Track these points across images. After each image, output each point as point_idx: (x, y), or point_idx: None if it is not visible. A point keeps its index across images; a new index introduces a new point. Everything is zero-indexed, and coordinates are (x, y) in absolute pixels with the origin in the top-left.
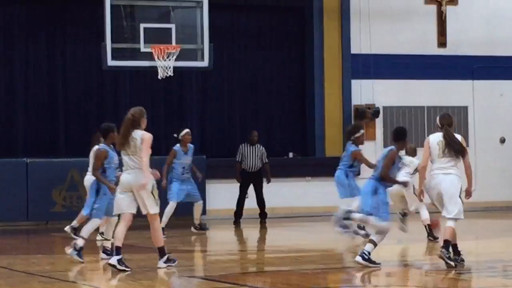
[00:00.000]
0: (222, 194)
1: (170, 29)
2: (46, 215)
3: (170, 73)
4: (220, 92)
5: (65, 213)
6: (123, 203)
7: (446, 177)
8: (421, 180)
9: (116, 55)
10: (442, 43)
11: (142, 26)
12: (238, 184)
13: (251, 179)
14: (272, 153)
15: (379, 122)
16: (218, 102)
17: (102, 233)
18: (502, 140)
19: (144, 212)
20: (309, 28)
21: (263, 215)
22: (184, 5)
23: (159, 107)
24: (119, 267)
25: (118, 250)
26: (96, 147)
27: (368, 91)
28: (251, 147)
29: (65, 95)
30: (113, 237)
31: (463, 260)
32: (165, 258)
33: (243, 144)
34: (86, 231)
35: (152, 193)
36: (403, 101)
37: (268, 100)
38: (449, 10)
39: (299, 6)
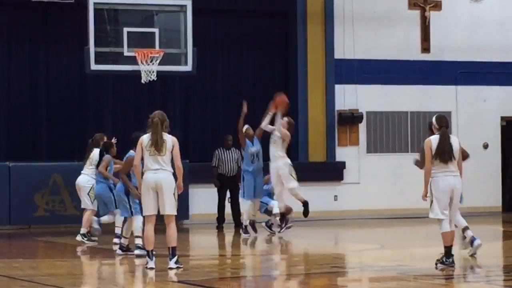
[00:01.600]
0: (204, 199)
1: (153, 33)
2: (28, 219)
3: (154, 77)
4: (203, 96)
5: (48, 217)
6: (151, 204)
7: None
8: (427, 183)
9: (99, 59)
10: (425, 48)
11: (126, 30)
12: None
13: (228, 184)
14: None
15: (362, 127)
16: (201, 107)
17: (84, 234)
18: (485, 146)
19: (162, 212)
20: (292, 33)
21: (237, 224)
22: (168, 9)
23: (143, 111)
24: (178, 265)
25: (149, 252)
26: (130, 152)
27: (351, 96)
28: (227, 151)
29: (48, 98)
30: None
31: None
32: (175, 258)
33: (218, 149)
34: (137, 229)
35: (174, 194)
36: (386, 106)
37: (252, 105)
38: (433, 15)
39: (282, 10)
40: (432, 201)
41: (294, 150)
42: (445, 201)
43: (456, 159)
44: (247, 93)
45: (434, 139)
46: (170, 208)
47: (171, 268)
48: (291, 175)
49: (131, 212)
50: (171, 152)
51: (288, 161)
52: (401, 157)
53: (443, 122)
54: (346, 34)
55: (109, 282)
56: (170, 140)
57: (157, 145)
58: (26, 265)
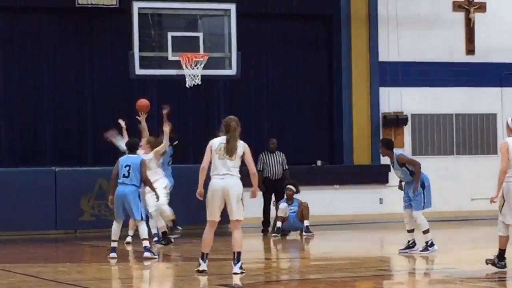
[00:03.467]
0: (249, 202)
1: (197, 37)
2: (74, 224)
3: (198, 81)
4: (247, 100)
5: (94, 221)
6: (216, 210)
7: None
8: (500, 185)
9: (144, 63)
10: (470, 50)
11: (170, 34)
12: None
13: (273, 187)
14: (300, 161)
15: (407, 129)
16: (245, 110)
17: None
18: None
19: (231, 217)
20: (336, 36)
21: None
22: (212, 13)
23: (187, 115)
24: (242, 271)
25: (203, 255)
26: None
27: (396, 99)
28: (271, 154)
29: (93, 103)
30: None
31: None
32: (240, 264)
33: (263, 153)
34: (145, 232)
35: (242, 200)
36: (431, 108)
37: (296, 108)
38: (477, 17)
39: (326, 13)
40: (503, 205)
41: (339, 153)
42: None
43: None
44: (291, 96)
45: (511, 141)
46: (237, 213)
47: (235, 273)
48: None
49: (141, 216)
50: (241, 157)
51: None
52: (446, 159)
53: None
54: (390, 36)
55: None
56: (241, 146)
57: (230, 149)
58: (73, 269)
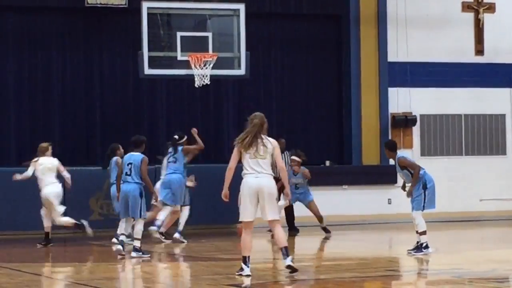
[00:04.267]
0: None
1: (206, 37)
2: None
3: (207, 81)
4: (256, 100)
5: (103, 221)
6: (250, 210)
7: None
8: None
9: (153, 63)
10: (479, 50)
11: (179, 34)
12: None
13: (282, 187)
14: (309, 161)
15: (416, 130)
16: (254, 110)
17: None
18: None
19: (264, 218)
20: (345, 36)
21: (291, 228)
22: (221, 13)
23: (196, 115)
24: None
25: (245, 258)
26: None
27: (405, 99)
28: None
29: (102, 103)
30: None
31: None
32: (291, 257)
33: None
34: (138, 232)
35: (275, 199)
36: (440, 109)
37: (305, 108)
38: (487, 17)
39: (335, 13)
40: None
41: (348, 154)
42: None
43: None
44: (300, 96)
45: None
46: (271, 214)
47: (289, 266)
48: None
49: (140, 215)
50: (272, 155)
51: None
52: (455, 160)
53: None
54: (399, 37)
55: (165, 286)
56: (270, 143)
57: (252, 145)
58: (82, 269)
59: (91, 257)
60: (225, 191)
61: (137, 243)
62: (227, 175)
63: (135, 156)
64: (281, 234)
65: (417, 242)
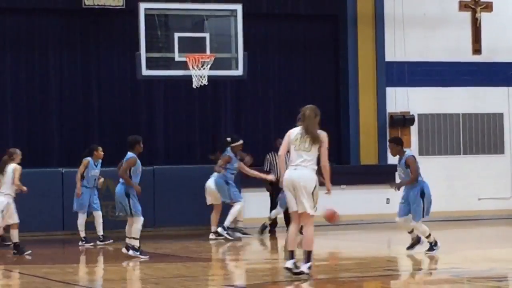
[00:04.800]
0: (256, 203)
1: (204, 38)
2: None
3: (205, 82)
4: (254, 100)
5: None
6: (292, 201)
7: None
8: None
9: (151, 64)
10: (477, 49)
11: (176, 35)
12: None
13: (280, 188)
14: None
15: (414, 129)
16: (252, 111)
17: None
18: None
19: (300, 210)
20: (343, 36)
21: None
22: (218, 14)
23: (194, 116)
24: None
25: (291, 253)
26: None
27: (403, 99)
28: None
29: (100, 104)
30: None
31: None
32: (310, 264)
33: (270, 153)
34: (134, 231)
35: (312, 194)
36: (438, 108)
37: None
38: (484, 16)
39: (332, 14)
40: None
41: (345, 153)
42: None
43: None
44: (297, 97)
45: None
46: (302, 206)
47: (302, 272)
48: None
49: (131, 213)
50: (319, 149)
51: None
52: (453, 159)
53: None
54: (397, 36)
55: (160, 286)
56: (319, 137)
57: (311, 138)
58: (81, 270)
59: (90, 259)
60: (281, 180)
61: (135, 242)
62: (280, 162)
63: (126, 156)
64: (309, 236)
65: (412, 239)
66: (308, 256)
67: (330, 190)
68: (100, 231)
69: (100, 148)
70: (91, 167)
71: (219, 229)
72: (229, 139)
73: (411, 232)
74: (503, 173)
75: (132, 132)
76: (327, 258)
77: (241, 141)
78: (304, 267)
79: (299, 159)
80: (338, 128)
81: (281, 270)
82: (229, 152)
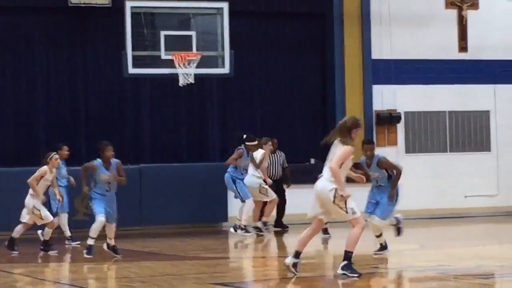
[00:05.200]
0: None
1: (190, 36)
2: (68, 224)
3: (191, 80)
4: (240, 99)
5: (87, 221)
6: (312, 206)
7: None
8: None
9: (137, 63)
10: (463, 47)
11: (163, 33)
12: None
13: (274, 187)
14: (294, 159)
15: (400, 127)
16: (239, 109)
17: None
18: None
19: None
20: (329, 34)
21: (281, 225)
22: (204, 12)
23: (180, 114)
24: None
25: (296, 253)
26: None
27: (389, 97)
28: (272, 155)
29: (86, 103)
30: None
31: None
32: (344, 263)
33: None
34: (92, 229)
35: (333, 202)
36: (424, 106)
37: (289, 106)
38: (470, 14)
39: (319, 12)
40: None
41: None
42: None
43: None
44: (284, 95)
45: None
46: (334, 214)
47: (340, 274)
48: None
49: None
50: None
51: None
52: (439, 156)
53: None
54: (383, 34)
55: (148, 285)
56: (340, 147)
57: (331, 148)
58: (68, 269)
59: (77, 257)
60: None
61: (90, 241)
62: (337, 176)
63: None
64: (351, 236)
65: (381, 244)
66: (345, 255)
67: (345, 195)
68: (67, 231)
69: (65, 147)
70: (62, 167)
71: (259, 224)
72: (244, 136)
73: (379, 236)
74: (489, 171)
75: (118, 131)
76: (314, 256)
77: (256, 142)
78: (341, 270)
79: (324, 169)
80: (324, 126)
81: (268, 268)
82: (242, 148)
